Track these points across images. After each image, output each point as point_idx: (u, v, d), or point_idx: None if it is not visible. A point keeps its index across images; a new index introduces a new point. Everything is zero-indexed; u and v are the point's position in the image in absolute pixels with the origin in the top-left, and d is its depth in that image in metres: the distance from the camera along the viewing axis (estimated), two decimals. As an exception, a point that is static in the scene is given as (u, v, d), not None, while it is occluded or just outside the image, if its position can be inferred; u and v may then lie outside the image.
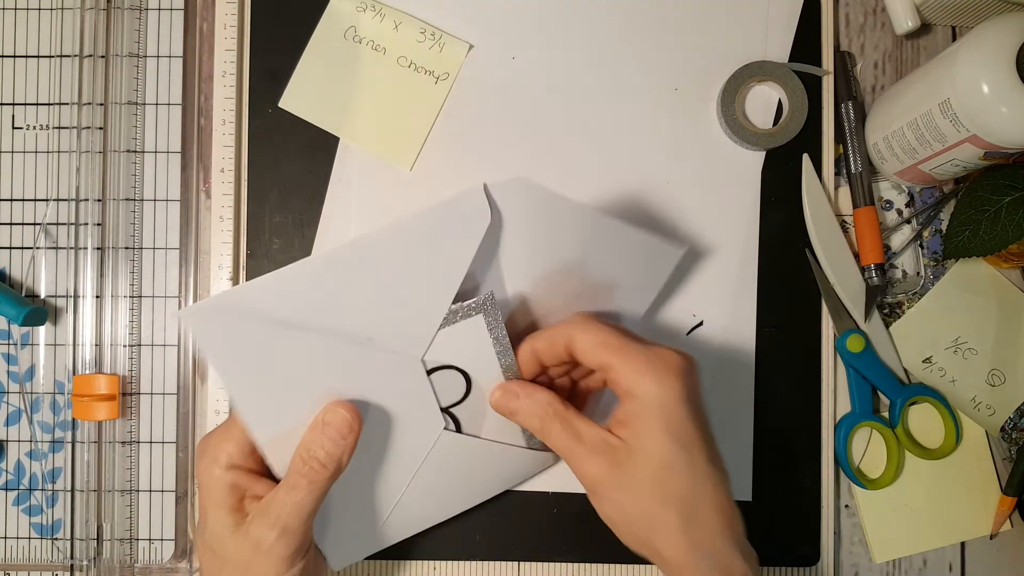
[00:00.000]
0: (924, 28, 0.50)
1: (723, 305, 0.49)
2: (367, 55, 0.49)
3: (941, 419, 0.50)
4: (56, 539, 0.48)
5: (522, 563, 0.48)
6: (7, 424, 0.49)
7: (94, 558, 0.48)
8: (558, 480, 0.48)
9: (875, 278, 0.48)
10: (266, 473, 0.39)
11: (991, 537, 0.50)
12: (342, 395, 0.39)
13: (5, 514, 0.49)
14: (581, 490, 0.48)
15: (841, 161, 0.50)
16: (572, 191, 0.48)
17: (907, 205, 0.50)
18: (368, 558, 0.48)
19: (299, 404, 0.39)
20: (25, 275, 0.49)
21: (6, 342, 0.49)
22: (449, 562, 0.48)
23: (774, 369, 0.49)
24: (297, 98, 0.49)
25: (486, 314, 0.40)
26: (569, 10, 0.49)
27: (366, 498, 0.43)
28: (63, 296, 0.49)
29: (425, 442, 0.42)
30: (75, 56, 0.49)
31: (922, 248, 0.50)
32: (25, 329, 0.49)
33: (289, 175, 0.49)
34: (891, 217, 0.50)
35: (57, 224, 0.49)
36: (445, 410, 0.42)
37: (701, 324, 0.48)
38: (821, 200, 0.49)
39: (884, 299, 0.50)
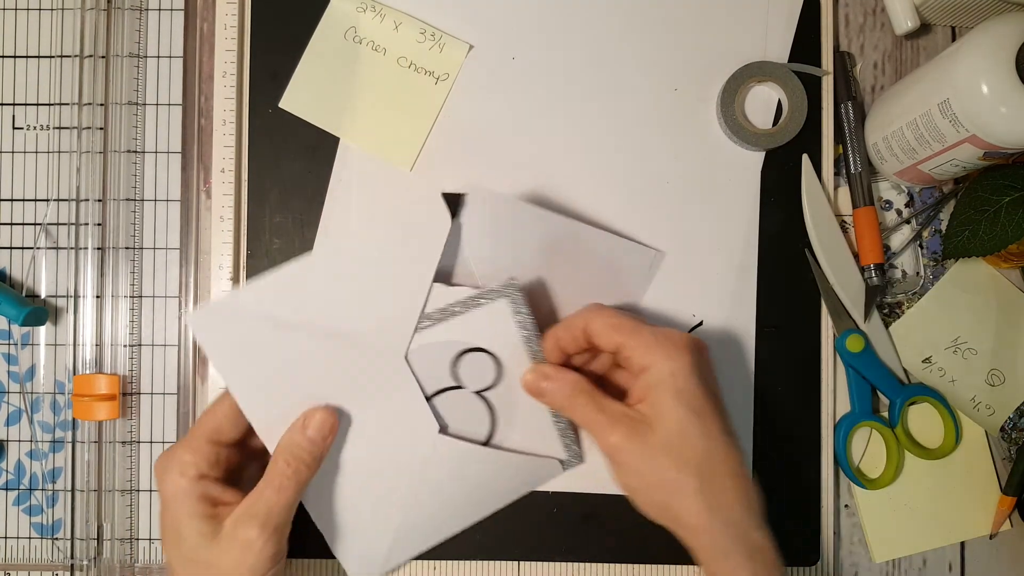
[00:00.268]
0: (924, 28, 0.50)
1: (723, 305, 0.49)
2: (367, 55, 0.49)
3: (941, 419, 0.50)
4: (56, 539, 0.48)
5: (522, 563, 0.48)
6: (7, 424, 0.49)
7: (94, 558, 0.48)
8: (558, 480, 0.48)
9: (875, 278, 0.48)
10: (230, 481, 0.41)
11: (991, 537, 0.50)
12: (336, 389, 0.41)
13: (5, 514, 0.49)
14: (581, 490, 0.48)
15: (841, 161, 0.50)
16: (572, 191, 0.49)
17: (907, 205, 0.50)
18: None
19: (297, 400, 0.41)
20: (25, 275, 0.49)
21: (6, 342, 0.49)
22: (449, 562, 0.48)
23: (774, 369, 0.49)
24: (297, 98, 0.49)
25: (511, 299, 0.42)
26: (569, 10, 0.49)
27: (377, 505, 0.44)
28: (63, 296, 0.49)
29: (421, 439, 0.43)
30: (75, 56, 0.49)
31: (922, 248, 0.50)
32: (25, 329, 0.49)
33: (289, 175, 0.49)
34: (891, 217, 0.50)
35: (57, 224, 0.49)
36: (478, 394, 0.44)
37: (701, 324, 0.48)
38: (821, 200, 0.49)
39: (884, 299, 0.50)
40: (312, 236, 0.48)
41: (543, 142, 0.49)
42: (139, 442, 0.48)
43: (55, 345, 0.49)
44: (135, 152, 0.49)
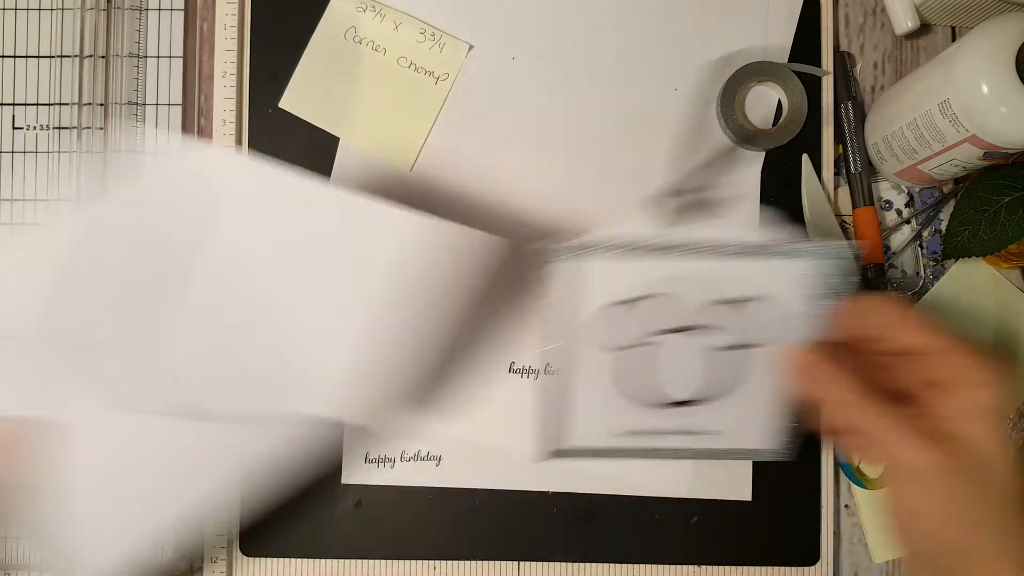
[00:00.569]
0: (924, 28, 0.50)
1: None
2: (367, 55, 0.49)
3: (941, 419, 0.50)
4: (56, 539, 0.48)
5: (522, 563, 0.48)
6: (7, 424, 0.49)
7: (94, 558, 0.48)
8: (558, 480, 0.48)
9: (875, 278, 0.48)
10: None
11: (991, 537, 0.50)
12: None
13: (5, 514, 0.49)
14: (581, 490, 0.48)
15: (841, 161, 0.50)
16: (572, 191, 0.49)
17: (907, 205, 0.50)
18: (367, 557, 0.48)
19: None
20: (25, 275, 0.49)
21: (6, 342, 0.49)
22: (449, 562, 0.48)
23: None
24: (297, 98, 0.49)
25: (840, 260, 0.38)
26: (569, 10, 0.49)
27: None
28: (63, 296, 0.49)
29: None
30: (75, 56, 0.49)
31: (922, 248, 0.50)
32: (25, 329, 0.49)
33: (289, 175, 0.49)
34: (891, 217, 0.50)
35: (57, 224, 0.49)
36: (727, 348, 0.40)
37: (701, 324, 0.48)
38: (821, 200, 0.49)
39: (884, 299, 0.50)
40: (312, 236, 0.48)
41: (543, 142, 0.49)
42: (139, 442, 0.48)
43: (55, 345, 0.49)
44: (135, 152, 0.49)
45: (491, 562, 0.48)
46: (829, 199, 0.49)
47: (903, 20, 0.48)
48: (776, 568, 0.48)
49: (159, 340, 0.38)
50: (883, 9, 0.50)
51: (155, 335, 0.38)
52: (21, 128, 0.49)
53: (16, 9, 0.49)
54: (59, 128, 0.49)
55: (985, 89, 0.39)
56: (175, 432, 0.39)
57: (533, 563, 0.48)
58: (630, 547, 0.48)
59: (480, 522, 0.48)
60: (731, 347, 0.41)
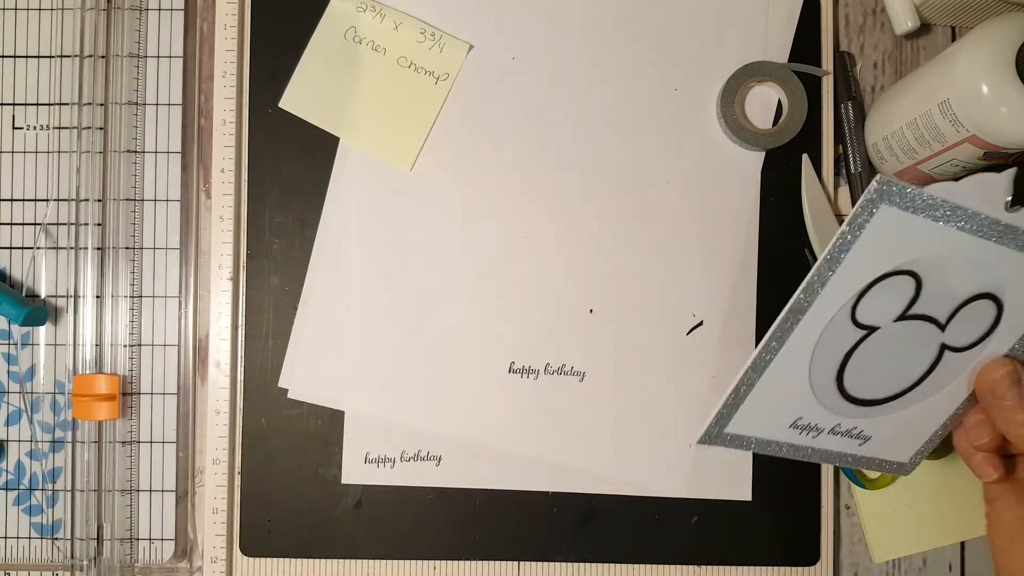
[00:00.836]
0: (924, 28, 0.50)
1: (723, 305, 0.49)
2: (367, 55, 0.49)
3: (941, 419, 0.50)
4: (56, 539, 0.48)
5: (522, 563, 0.48)
6: (7, 424, 0.49)
7: (94, 558, 0.48)
8: (558, 480, 0.48)
9: (875, 278, 0.48)
10: None
11: (991, 537, 0.50)
12: None
13: (5, 514, 0.49)
14: (581, 490, 0.48)
15: (841, 161, 0.50)
16: (572, 191, 0.49)
17: (907, 205, 0.50)
18: (367, 557, 0.48)
19: None
20: (25, 275, 0.49)
21: (6, 342, 0.49)
22: (449, 562, 0.48)
23: (774, 369, 0.49)
24: (297, 98, 0.49)
25: None
26: (569, 10, 0.49)
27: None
28: (63, 296, 0.49)
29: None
30: (75, 56, 0.49)
31: (922, 248, 0.50)
32: (25, 329, 0.49)
33: (289, 175, 0.49)
34: (891, 217, 0.50)
35: (57, 224, 0.49)
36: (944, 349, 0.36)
37: (701, 324, 0.48)
38: (821, 200, 0.49)
39: (884, 299, 0.50)
40: (312, 236, 0.48)
41: (543, 142, 0.49)
42: (139, 442, 0.48)
43: (55, 345, 0.49)
44: (135, 152, 0.49)
45: (491, 562, 0.48)
46: (829, 199, 0.49)
47: (903, 20, 0.48)
48: (776, 568, 0.48)
49: None
50: (883, 9, 0.50)
51: None
52: (21, 128, 0.49)
53: (16, 9, 0.49)
54: (59, 128, 0.49)
55: (985, 89, 0.39)
56: None
57: (533, 563, 0.48)
58: (630, 547, 0.48)
59: (480, 522, 0.48)
60: (965, 348, 0.37)
